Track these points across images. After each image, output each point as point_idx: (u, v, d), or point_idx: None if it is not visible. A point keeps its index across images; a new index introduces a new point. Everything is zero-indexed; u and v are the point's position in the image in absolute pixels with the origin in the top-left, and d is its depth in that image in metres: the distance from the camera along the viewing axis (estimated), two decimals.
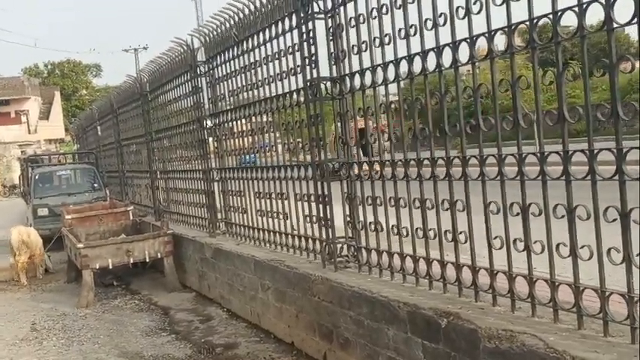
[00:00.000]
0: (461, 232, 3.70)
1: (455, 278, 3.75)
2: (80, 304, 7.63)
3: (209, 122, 7.64)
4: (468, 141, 3.62)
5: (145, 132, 10.44)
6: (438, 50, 3.64)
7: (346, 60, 4.61)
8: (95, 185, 14.31)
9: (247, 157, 6.87)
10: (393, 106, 4.25)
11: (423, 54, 3.75)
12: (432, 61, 3.71)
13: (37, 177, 14.24)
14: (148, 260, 8.24)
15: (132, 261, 8.10)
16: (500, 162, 3.35)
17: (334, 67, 4.74)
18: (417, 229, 4.05)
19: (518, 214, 3.28)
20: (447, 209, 3.75)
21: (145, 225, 9.81)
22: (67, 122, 48.63)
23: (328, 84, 4.82)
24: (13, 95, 48.25)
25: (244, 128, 6.77)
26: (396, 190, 4.20)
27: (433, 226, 3.89)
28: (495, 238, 3.45)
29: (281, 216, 5.90)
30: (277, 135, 6.22)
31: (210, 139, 7.75)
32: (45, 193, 13.75)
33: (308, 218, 5.36)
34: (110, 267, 8.00)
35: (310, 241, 5.40)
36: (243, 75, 6.36)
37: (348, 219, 4.86)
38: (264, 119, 6.23)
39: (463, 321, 3.35)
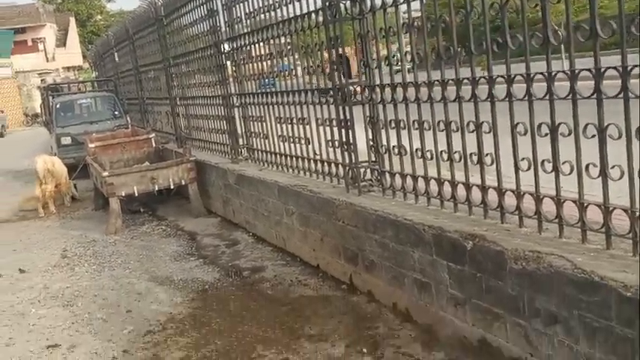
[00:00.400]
0: (487, 154, 3.63)
1: (480, 200, 3.72)
2: (109, 231, 7.80)
3: (226, 46, 7.50)
4: (494, 59, 3.49)
5: (163, 58, 10.31)
6: None
7: None
8: (116, 113, 14.34)
9: (266, 81, 6.76)
10: (415, 24, 4.10)
11: None
12: None
13: (58, 106, 14.28)
14: (172, 187, 8.33)
15: (157, 188, 8.19)
16: (529, 81, 3.24)
17: None
18: (441, 151, 3.99)
19: (546, 134, 3.20)
20: (472, 131, 3.67)
21: (167, 152, 9.87)
22: (84, 49, 48.31)
23: (348, 3, 4.64)
24: (28, 23, 47.82)
25: (263, 52, 6.64)
26: (420, 112, 4.12)
27: (458, 148, 3.83)
28: (522, 159, 3.39)
29: (303, 141, 5.86)
30: (297, 58, 6.08)
31: (229, 63, 7.63)
32: (67, 121, 13.84)
33: (330, 143, 5.32)
34: (136, 194, 8.12)
35: (333, 165, 5.39)
36: None
37: (371, 143, 4.81)
38: (283, 42, 6.08)
39: (489, 243, 3.35)
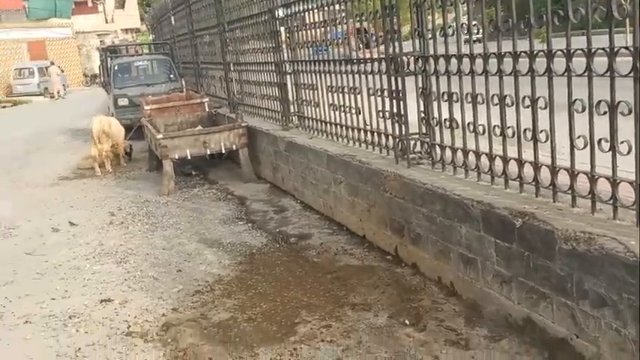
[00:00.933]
0: (542, 131, 3.55)
1: (532, 178, 3.65)
2: (162, 192, 8.01)
3: (281, 13, 7.47)
4: (553, 32, 3.38)
5: (218, 23, 10.35)
6: None
7: None
8: (171, 76, 14.57)
9: (320, 49, 6.73)
10: None
11: None
12: None
13: (116, 67, 14.60)
14: (223, 152, 8.46)
15: (209, 152, 8.33)
16: (590, 57, 3.13)
17: None
18: (494, 126, 3.92)
19: (605, 112, 3.10)
20: (527, 106, 3.58)
21: (219, 117, 9.99)
22: (142, 11, 48.95)
23: None
24: None
25: (316, 19, 6.59)
26: (474, 85, 4.04)
27: (512, 123, 3.75)
28: (579, 137, 3.29)
29: (353, 111, 5.84)
30: (350, 27, 6.02)
31: (283, 30, 7.61)
32: (124, 83, 14.15)
33: (381, 114, 5.28)
34: (188, 157, 8.28)
35: (383, 136, 5.36)
36: None
37: (423, 115, 4.75)
38: (337, 9, 6.02)
39: (539, 221, 3.29)
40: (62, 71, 35.09)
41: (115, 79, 14.23)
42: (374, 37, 5.30)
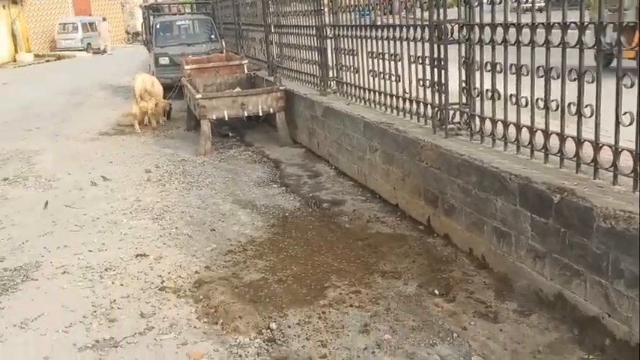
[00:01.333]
0: (587, 106, 3.45)
1: (574, 153, 3.57)
2: (199, 152, 8.09)
3: None
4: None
5: None
6: None
7: None
8: (212, 36, 14.56)
9: (363, 13, 6.63)
10: None
11: None
12: None
13: (158, 26, 14.63)
14: (261, 114, 8.47)
15: (246, 114, 8.36)
16: None
17: None
18: (537, 99, 3.82)
19: None
20: (574, 80, 3.48)
21: (258, 79, 9.99)
22: None
23: None
24: None
25: None
26: (519, 56, 3.93)
27: (556, 97, 3.65)
28: (625, 114, 3.20)
29: (393, 78, 5.76)
30: None
31: None
32: (166, 42, 14.20)
33: (421, 82, 5.20)
34: (226, 118, 8.32)
35: (422, 105, 5.29)
36: None
37: (464, 85, 4.67)
38: None
39: (578, 198, 3.22)
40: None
41: (156, 38, 14.29)
42: (418, 3, 5.18)
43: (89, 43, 32.93)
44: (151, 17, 15.78)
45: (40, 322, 3.80)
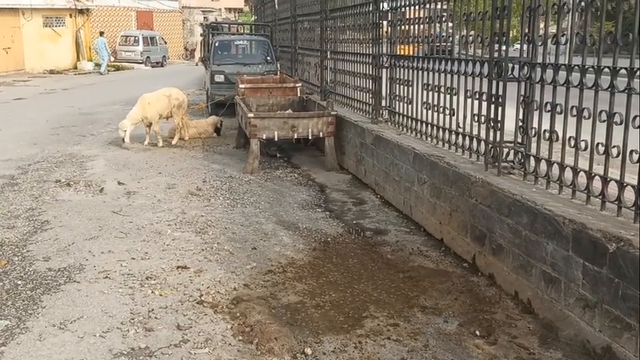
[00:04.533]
0: None
1: (633, 202, 3.44)
2: (246, 170, 8.16)
3: (385, 5, 7.40)
4: None
5: (320, 10, 10.41)
6: None
7: None
8: (268, 58, 14.76)
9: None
10: (594, 3, 3.79)
11: None
12: None
13: (216, 44, 14.93)
14: (310, 138, 8.50)
15: (295, 136, 8.40)
16: None
17: None
18: (597, 144, 3.72)
19: None
20: (638, 127, 3.38)
21: (310, 103, 10.05)
22: None
23: None
24: None
25: (420, 14, 6.48)
26: (581, 98, 3.84)
27: (617, 143, 3.54)
28: None
29: (447, 111, 5.71)
30: (453, 26, 5.88)
31: (385, 23, 7.54)
32: (223, 60, 14.47)
33: (476, 117, 5.14)
34: (276, 139, 8.38)
35: (475, 141, 5.21)
36: None
37: (521, 123, 4.58)
38: (444, 8, 5.90)
39: (635, 249, 3.10)
40: (165, 42, 36.37)
41: (214, 56, 14.58)
42: (479, 39, 5.15)
43: (148, 57, 33.87)
44: (211, 35, 16.13)
45: (79, 325, 3.84)
